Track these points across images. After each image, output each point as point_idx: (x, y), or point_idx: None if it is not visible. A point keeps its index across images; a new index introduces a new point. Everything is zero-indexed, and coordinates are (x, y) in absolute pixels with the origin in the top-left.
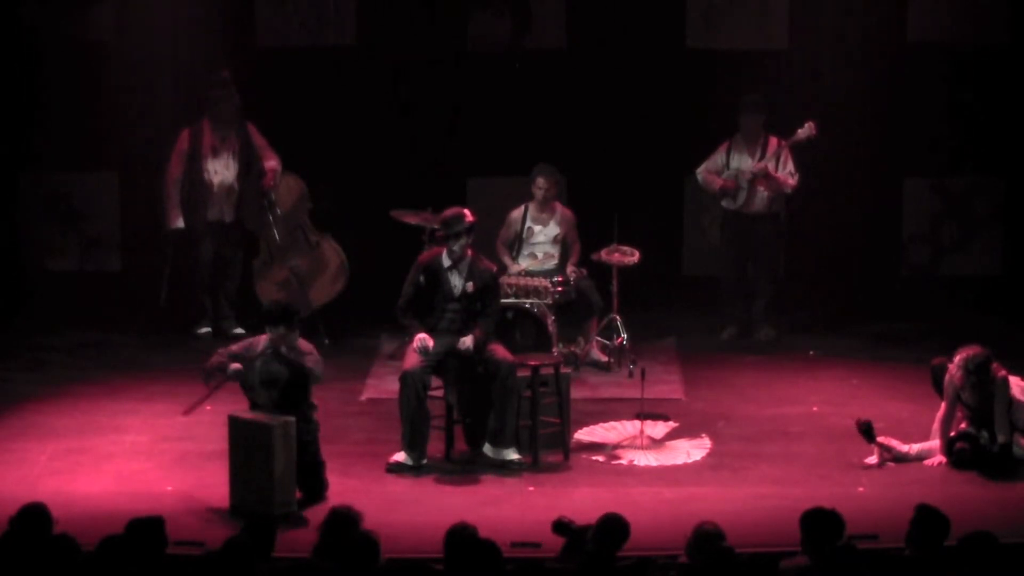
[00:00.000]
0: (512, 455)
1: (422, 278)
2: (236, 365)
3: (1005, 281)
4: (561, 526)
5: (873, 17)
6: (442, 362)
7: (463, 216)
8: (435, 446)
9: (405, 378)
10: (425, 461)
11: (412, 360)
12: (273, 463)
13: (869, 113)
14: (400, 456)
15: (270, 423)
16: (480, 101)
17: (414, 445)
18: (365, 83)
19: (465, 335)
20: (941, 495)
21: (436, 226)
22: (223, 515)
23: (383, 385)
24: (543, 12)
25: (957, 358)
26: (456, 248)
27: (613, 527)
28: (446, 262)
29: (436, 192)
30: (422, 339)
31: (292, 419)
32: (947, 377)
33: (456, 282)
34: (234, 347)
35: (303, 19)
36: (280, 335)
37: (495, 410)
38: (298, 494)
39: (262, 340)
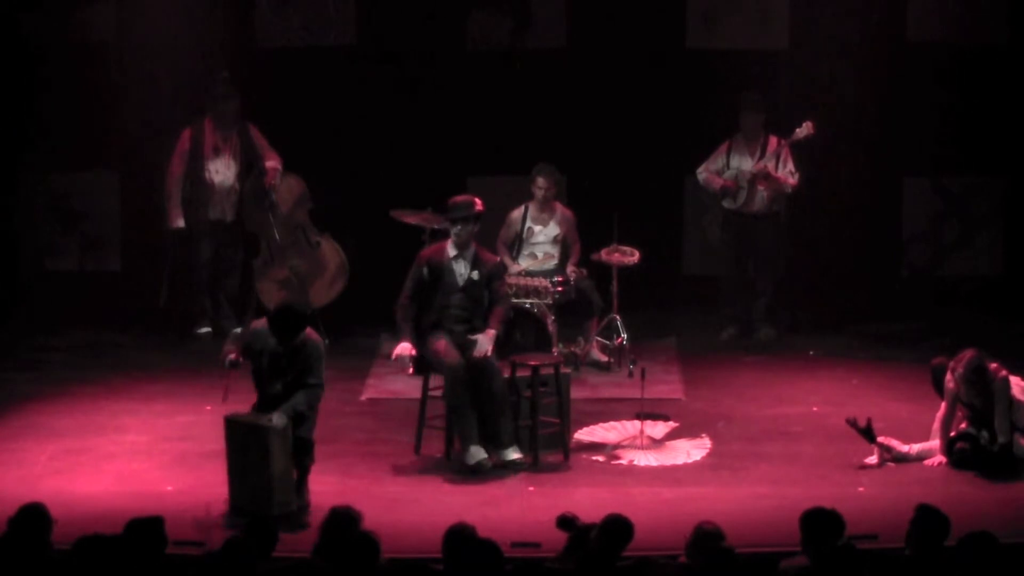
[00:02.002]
0: (513, 455)
1: (426, 271)
2: (232, 355)
3: (1005, 281)
4: (565, 521)
5: (873, 17)
6: None
7: (473, 203)
8: (435, 446)
9: (452, 372)
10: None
11: (452, 355)
12: (271, 465)
13: (869, 113)
14: (478, 453)
15: (267, 426)
16: (480, 101)
17: (471, 437)
18: (365, 83)
19: (472, 330)
20: (941, 495)
21: (436, 226)
22: (223, 515)
23: (383, 385)
24: (543, 11)
25: (951, 372)
26: (463, 233)
27: (617, 528)
28: (451, 251)
29: (436, 192)
30: (404, 349)
31: (287, 421)
32: (946, 382)
33: (462, 271)
34: (242, 333)
35: (303, 19)
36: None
37: (492, 412)
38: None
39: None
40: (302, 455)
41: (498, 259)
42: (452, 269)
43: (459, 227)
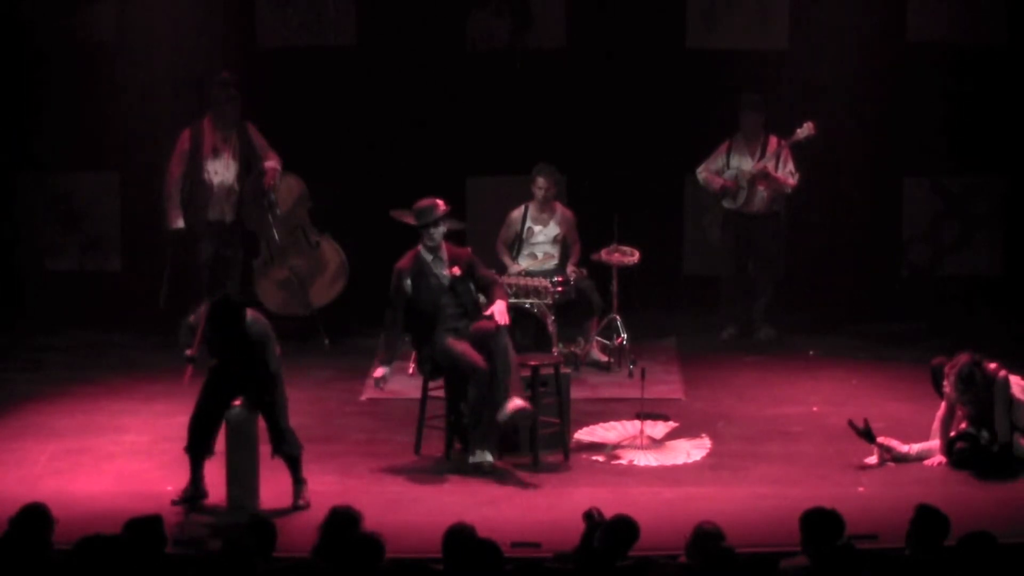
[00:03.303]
0: (518, 401)
1: (409, 282)
2: (188, 352)
3: (1005, 281)
4: (589, 515)
5: (873, 17)
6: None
7: (436, 205)
8: (435, 446)
9: (482, 376)
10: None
11: (478, 358)
12: (230, 457)
13: (869, 113)
14: (485, 455)
15: (227, 417)
16: (480, 101)
17: (485, 441)
18: (365, 83)
19: (471, 322)
20: (941, 495)
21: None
22: (223, 515)
23: (383, 385)
24: (543, 11)
25: (947, 381)
26: (436, 236)
27: (623, 528)
28: (427, 256)
29: (436, 192)
30: (382, 376)
31: (250, 415)
32: (946, 395)
33: (443, 271)
34: (194, 320)
35: (303, 19)
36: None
37: (503, 368)
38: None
39: None
40: (285, 445)
41: (468, 248)
42: (434, 272)
43: (430, 230)
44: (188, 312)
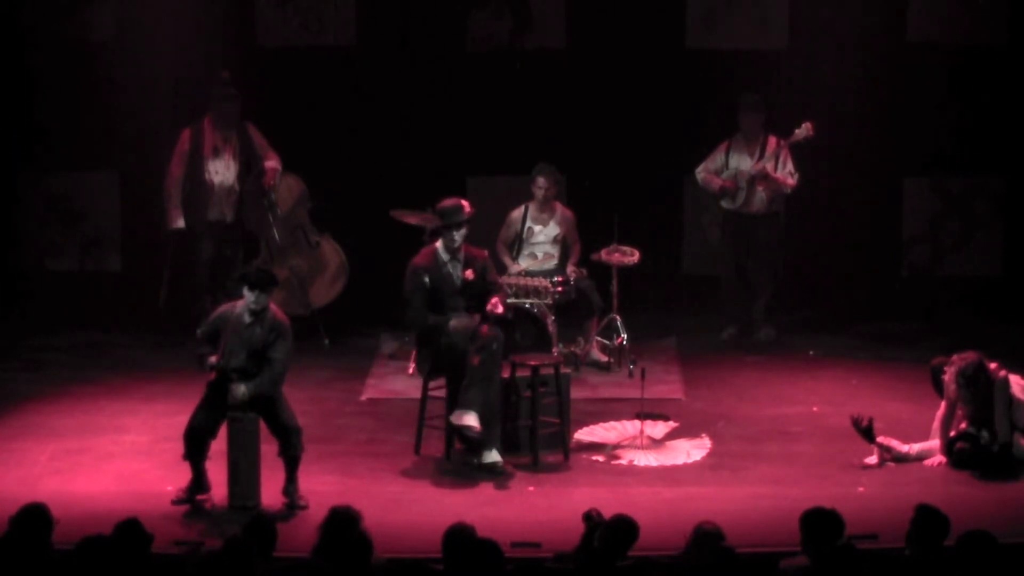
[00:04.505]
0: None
1: (427, 279)
2: (212, 359)
3: (1005, 281)
4: (588, 516)
5: (873, 17)
6: None
7: (462, 206)
8: (435, 446)
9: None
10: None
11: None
12: (231, 456)
13: (869, 113)
14: (495, 455)
15: (229, 418)
16: (480, 101)
17: (496, 440)
18: (365, 83)
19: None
20: (941, 495)
21: (437, 226)
22: (223, 515)
23: (383, 385)
24: (543, 12)
25: (950, 371)
26: (457, 238)
27: (623, 528)
28: (444, 256)
29: (436, 192)
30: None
31: (254, 415)
32: (944, 384)
33: (458, 273)
34: (212, 315)
35: (303, 19)
36: (255, 301)
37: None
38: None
39: (239, 304)
40: (287, 443)
41: (485, 252)
42: (450, 273)
43: (452, 231)
44: (190, 315)
